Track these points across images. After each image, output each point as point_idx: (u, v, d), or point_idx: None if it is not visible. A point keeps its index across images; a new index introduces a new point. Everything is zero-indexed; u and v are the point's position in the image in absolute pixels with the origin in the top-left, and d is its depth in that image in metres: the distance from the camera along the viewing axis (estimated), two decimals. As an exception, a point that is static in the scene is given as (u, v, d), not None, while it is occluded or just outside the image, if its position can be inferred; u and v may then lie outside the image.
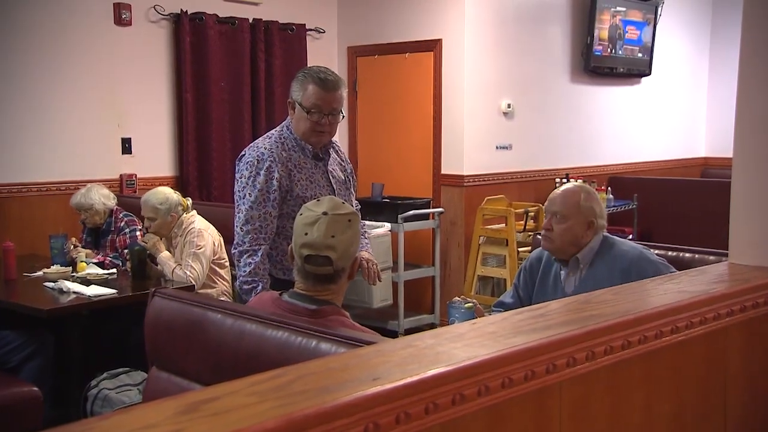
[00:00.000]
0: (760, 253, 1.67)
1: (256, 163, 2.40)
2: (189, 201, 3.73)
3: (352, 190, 2.65)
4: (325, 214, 1.82)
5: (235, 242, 2.42)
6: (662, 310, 1.35)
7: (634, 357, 1.30)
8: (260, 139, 2.53)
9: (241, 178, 2.42)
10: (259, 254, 2.37)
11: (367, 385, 0.95)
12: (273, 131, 2.54)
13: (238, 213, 2.41)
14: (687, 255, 2.56)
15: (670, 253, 2.59)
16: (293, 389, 0.94)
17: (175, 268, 3.52)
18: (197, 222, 3.64)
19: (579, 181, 5.46)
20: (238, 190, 2.43)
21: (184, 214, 3.65)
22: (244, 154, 2.47)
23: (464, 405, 1.03)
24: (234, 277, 2.60)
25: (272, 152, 2.41)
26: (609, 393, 1.29)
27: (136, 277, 3.45)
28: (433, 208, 5.09)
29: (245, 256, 2.36)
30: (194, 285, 3.45)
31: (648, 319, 1.31)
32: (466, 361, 1.05)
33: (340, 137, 5.64)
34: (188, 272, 3.48)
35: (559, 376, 1.17)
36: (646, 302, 1.39)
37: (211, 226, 3.69)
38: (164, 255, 3.56)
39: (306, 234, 1.82)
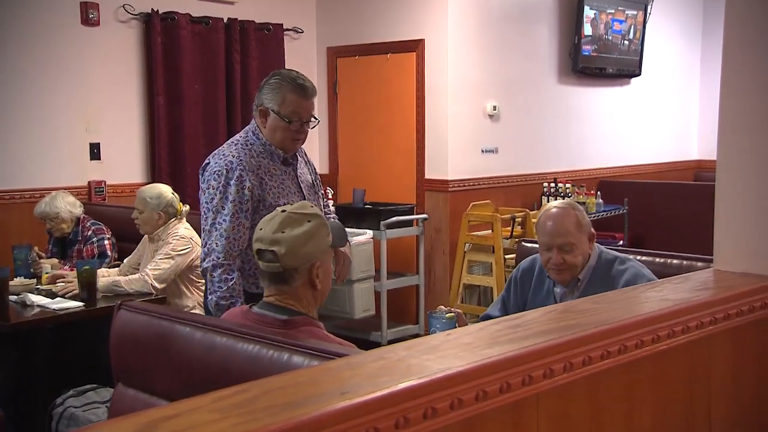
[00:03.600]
0: (745, 259, 1.69)
1: (225, 172, 2.37)
2: (185, 208, 3.70)
3: (320, 192, 2.66)
4: (283, 211, 1.85)
5: (205, 254, 2.39)
6: (643, 318, 1.37)
7: (614, 367, 1.31)
8: (224, 146, 2.49)
9: (209, 188, 2.39)
10: (236, 269, 2.36)
11: (336, 399, 0.96)
12: (237, 137, 2.51)
13: (209, 225, 2.38)
14: (675, 262, 2.59)
15: (657, 259, 2.62)
16: (257, 405, 0.95)
17: (128, 275, 3.50)
18: (182, 230, 3.63)
19: (564, 189, 5.50)
20: (207, 201, 2.39)
21: (174, 220, 3.63)
22: (208, 163, 2.44)
23: (436, 419, 1.04)
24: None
25: (241, 160, 2.39)
26: (588, 405, 1.30)
27: (84, 300, 3.25)
28: (417, 214, 5.11)
29: (220, 271, 2.34)
30: (155, 285, 3.41)
31: (628, 329, 1.33)
32: (438, 374, 1.06)
33: (320, 142, 5.65)
34: (148, 271, 3.44)
35: (536, 387, 1.18)
36: (626, 311, 1.41)
37: (196, 234, 3.67)
38: (104, 280, 3.45)
39: (260, 229, 1.85)
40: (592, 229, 2.43)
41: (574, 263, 2.34)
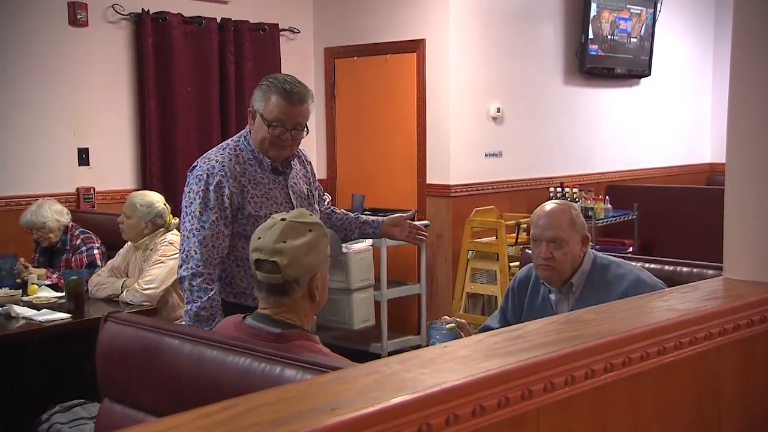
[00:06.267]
0: (755, 267, 1.69)
1: (205, 177, 2.38)
2: (175, 221, 3.68)
3: (316, 206, 2.63)
4: (283, 219, 1.84)
5: (182, 260, 2.38)
6: (648, 329, 1.36)
7: (618, 381, 1.31)
8: (214, 149, 2.51)
9: (190, 192, 2.41)
10: (215, 279, 2.35)
11: (325, 416, 0.96)
12: (229, 141, 2.52)
13: (188, 231, 2.38)
14: (684, 269, 2.58)
15: (666, 267, 2.61)
16: (244, 422, 0.95)
17: (124, 281, 3.51)
18: (170, 236, 3.63)
19: (571, 194, 5.50)
20: (186, 205, 2.41)
21: (162, 230, 3.63)
22: (196, 165, 2.46)
23: (431, 436, 1.03)
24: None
25: (224, 166, 2.39)
26: (591, 420, 1.30)
27: (71, 312, 3.28)
28: (418, 220, 5.10)
29: (200, 280, 2.33)
30: (148, 289, 3.42)
31: (632, 340, 1.33)
32: (433, 388, 1.06)
33: (318, 146, 5.66)
34: (141, 281, 3.45)
35: (536, 402, 1.18)
36: (630, 322, 1.40)
37: None
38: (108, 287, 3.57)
39: (259, 238, 1.84)
40: (587, 232, 2.44)
41: (562, 261, 2.35)
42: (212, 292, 2.32)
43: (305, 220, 1.87)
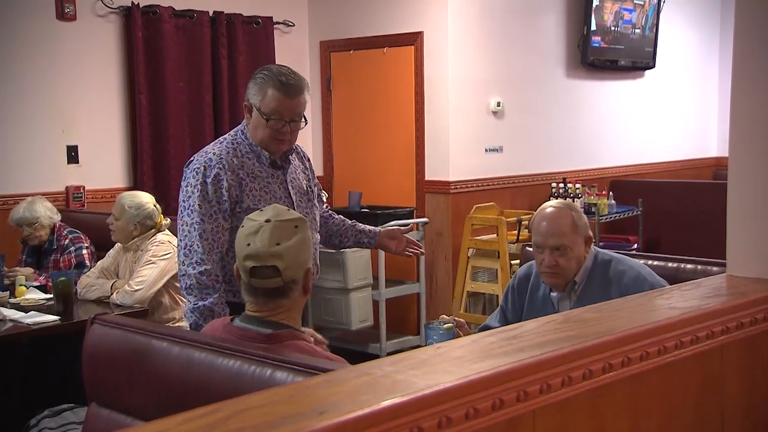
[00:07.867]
0: (759, 263, 1.68)
1: (203, 170, 2.39)
2: (166, 222, 3.68)
3: (315, 202, 2.64)
4: (267, 221, 1.84)
5: (185, 255, 2.37)
6: (648, 328, 1.36)
7: (617, 381, 1.31)
8: (211, 144, 2.53)
9: (187, 186, 2.42)
10: (221, 279, 2.35)
11: (313, 420, 0.96)
12: (226, 135, 2.54)
13: (188, 225, 2.38)
14: (689, 266, 2.58)
15: (669, 264, 2.61)
16: (228, 427, 0.95)
17: (114, 283, 3.51)
18: (161, 236, 3.63)
19: (573, 190, 5.49)
20: (184, 199, 2.41)
21: (152, 231, 3.63)
22: (192, 160, 2.47)
23: (422, 439, 1.03)
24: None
25: (221, 158, 2.41)
26: (589, 422, 1.30)
27: (60, 314, 3.27)
28: (417, 218, 5.10)
29: (205, 278, 2.33)
30: (138, 290, 3.42)
31: (632, 339, 1.33)
32: (424, 390, 1.06)
33: (314, 141, 5.66)
34: (132, 282, 3.45)
35: (532, 404, 1.18)
36: (630, 320, 1.40)
37: (176, 239, 3.66)
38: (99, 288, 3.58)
39: (249, 245, 1.83)
40: (590, 232, 2.44)
41: (567, 267, 2.36)
42: (220, 290, 2.34)
43: (288, 216, 1.87)
